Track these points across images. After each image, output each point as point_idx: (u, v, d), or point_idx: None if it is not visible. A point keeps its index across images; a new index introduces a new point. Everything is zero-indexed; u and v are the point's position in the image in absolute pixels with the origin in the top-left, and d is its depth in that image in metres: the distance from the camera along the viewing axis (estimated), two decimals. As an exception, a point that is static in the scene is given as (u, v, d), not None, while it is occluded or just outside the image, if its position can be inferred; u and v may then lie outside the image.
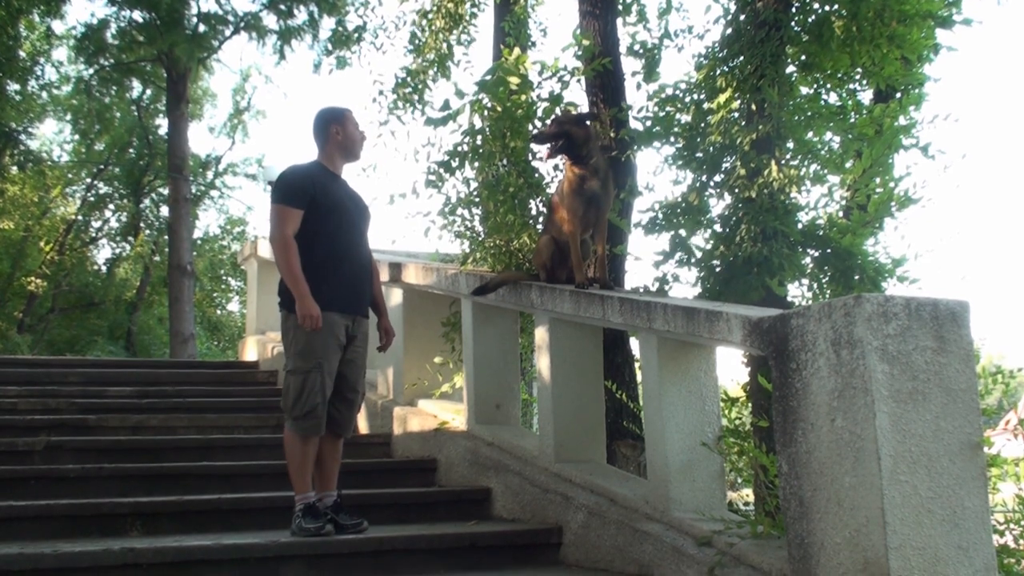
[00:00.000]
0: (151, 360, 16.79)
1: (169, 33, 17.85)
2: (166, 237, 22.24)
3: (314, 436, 4.67)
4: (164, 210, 25.48)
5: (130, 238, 28.13)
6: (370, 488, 5.60)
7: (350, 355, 4.81)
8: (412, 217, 6.41)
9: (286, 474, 5.66)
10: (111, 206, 28.66)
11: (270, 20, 19.36)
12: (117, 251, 29.09)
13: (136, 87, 23.95)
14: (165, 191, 23.42)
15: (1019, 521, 3.69)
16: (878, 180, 5.57)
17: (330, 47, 13.66)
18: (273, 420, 7.08)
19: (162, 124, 24.70)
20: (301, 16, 18.97)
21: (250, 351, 10.12)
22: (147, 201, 27.61)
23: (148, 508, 4.87)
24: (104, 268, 28.88)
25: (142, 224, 27.75)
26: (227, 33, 19.66)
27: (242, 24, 19.42)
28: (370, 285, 4.97)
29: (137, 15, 18.43)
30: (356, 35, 12.39)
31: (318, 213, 4.71)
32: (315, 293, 4.57)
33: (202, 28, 19.00)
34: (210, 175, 28.83)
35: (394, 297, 6.78)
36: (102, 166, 26.97)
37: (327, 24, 18.16)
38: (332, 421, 4.77)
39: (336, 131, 4.92)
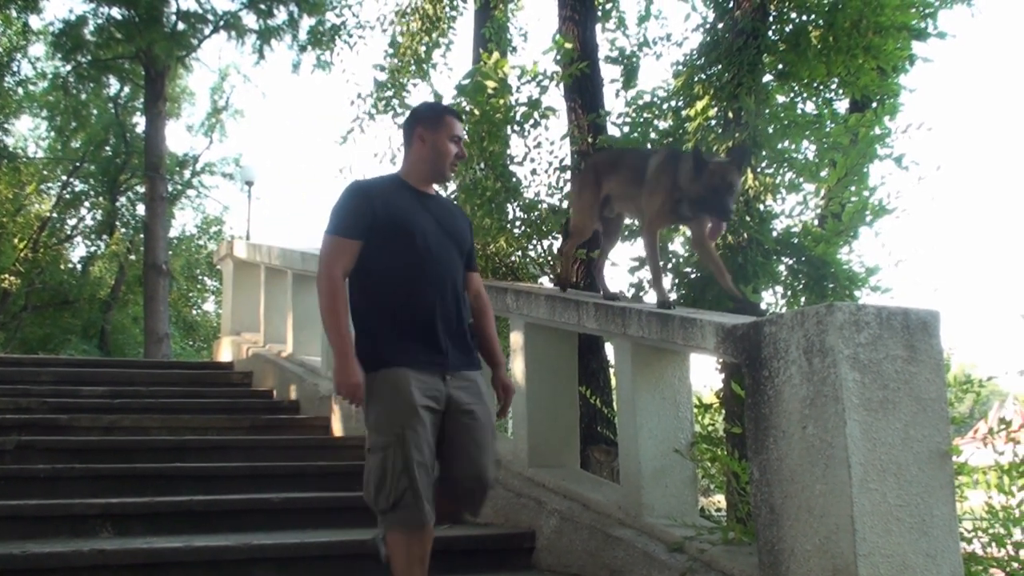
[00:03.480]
0: (125, 360, 16.67)
1: (148, 31, 17.76)
2: (142, 236, 22.13)
3: (417, 530, 3.54)
4: (140, 208, 25.37)
5: (105, 236, 27.92)
6: (343, 491, 5.58)
7: (450, 428, 3.59)
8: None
9: (259, 476, 5.68)
10: (87, 204, 28.46)
11: (250, 19, 19.32)
12: (92, 249, 28.88)
13: (114, 84, 23.83)
14: (141, 189, 23.31)
15: (987, 529, 3.72)
16: (853, 189, 5.61)
17: (307, 46, 13.65)
18: (246, 422, 7.05)
19: (139, 122, 24.58)
20: (281, 16, 18.93)
21: (225, 352, 10.07)
22: (123, 199, 27.46)
23: (119, 509, 4.83)
24: (79, 266, 28.66)
25: (118, 222, 27.57)
26: (206, 32, 19.59)
27: (221, 23, 19.35)
28: (470, 329, 3.79)
29: (116, 12, 18.32)
30: (332, 35, 12.36)
31: (385, 238, 3.59)
32: (379, 346, 3.53)
33: (181, 26, 18.92)
34: (187, 174, 28.67)
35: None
36: (78, 163, 26.76)
37: (307, 24, 18.14)
38: (456, 496, 3.70)
39: (422, 136, 3.76)
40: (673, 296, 5.80)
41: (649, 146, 6.10)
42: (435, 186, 3.94)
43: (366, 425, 3.59)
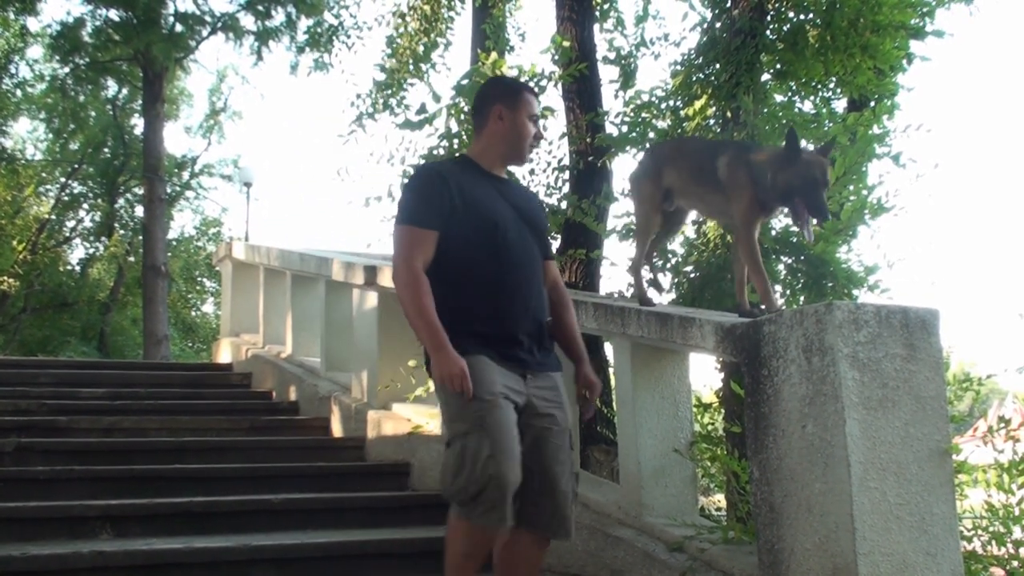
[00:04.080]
0: (124, 361, 16.68)
1: (146, 32, 17.77)
2: (141, 237, 22.15)
3: (493, 529, 3.15)
4: (139, 210, 25.34)
5: (104, 238, 27.93)
6: (343, 492, 5.59)
7: (534, 430, 3.27)
8: (388, 220, 6.39)
9: (258, 477, 5.68)
10: (85, 206, 28.46)
11: (248, 21, 19.34)
12: (91, 251, 28.90)
13: (112, 86, 23.85)
14: (140, 191, 23.31)
15: (987, 527, 3.72)
16: (852, 188, 5.61)
17: (305, 47, 13.65)
18: (246, 423, 7.04)
19: (138, 124, 24.58)
20: (279, 17, 18.94)
21: (224, 353, 10.06)
22: (122, 201, 27.45)
23: (118, 511, 4.82)
24: (78, 268, 28.66)
25: (116, 224, 27.57)
26: (204, 33, 19.62)
27: (219, 24, 19.37)
28: (548, 324, 3.51)
29: (113, 14, 18.34)
30: (330, 36, 12.36)
31: (462, 227, 3.29)
32: (455, 338, 3.19)
33: (179, 28, 18.93)
34: (186, 175, 28.67)
35: (369, 301, 6.76)
36: (76, 165, 26.76)
37: (305, 25, 18.14)
38: (530, 515, 3.28)
39: (500, 114, 3.44)
40: (672, 296, 5.81)
41: (647, 145, 6.11)
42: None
43: (443, 422, 3.35)
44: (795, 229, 5.75)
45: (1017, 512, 3.65)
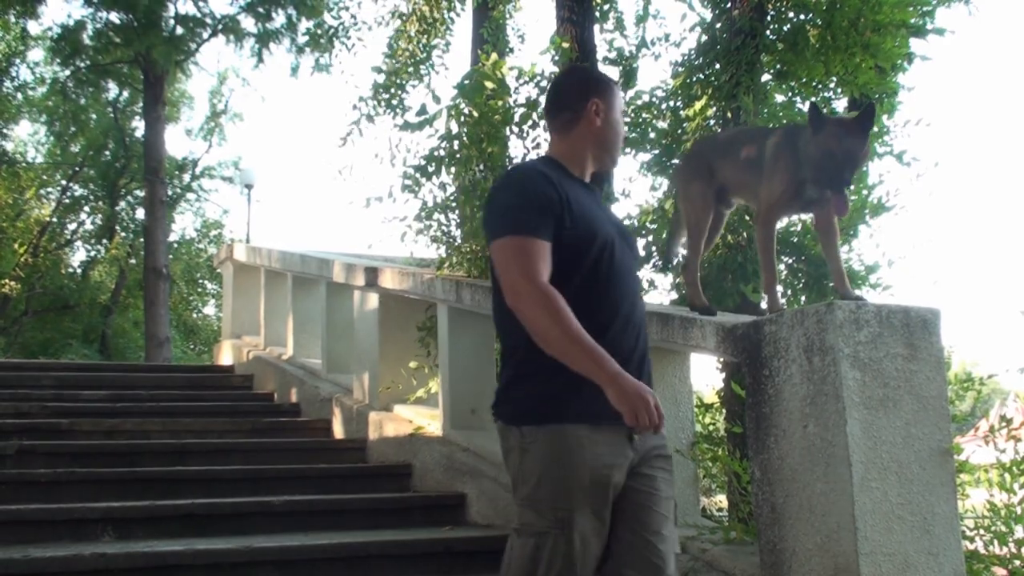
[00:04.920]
0: (126, 364, 16.69)
1: (146, 35, 17.77)
2: (142, 240, 22.15)
3: None
4: (140, 213, 25.35)
5: (105, 241, 27.91)
6: (345, 493, 5.59)
7: (642, 482, 2.72)
8: (388, 221, 6.40)
9: (260, 479, 5.69)
10: (86, 208, 28.43)
11: (248, 23, 19.33)
12: (92, 254, 28.87)
13: (112, 89, 23.84)
14: (141, 193, 23.30)
15: (988, 527, 3.72)
16: (852, 188, 5.61)
17: (306, 49, 13.67)
18: (247, 425, 7.05)
19: (138, 126, 24.58)
20: (279, 19, 18.95)
21: (226, 355, 10.07)
22: (123, 203, 27.42)
23: (120, 513, 4.82)
24: (79, 271, 28.65)
25: (117, 227, 27.54)
26: (205, 35, 19.61)
27: (220, 27, 19.37)
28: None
29: (114, 16, 18.35)
30: (331, 37, 12.37)
31: (569, 244, 2.70)
32: (549, 391, 2.62)
33: (180, 30, 18.94)
34: (187, 178, 28.67)
35: (370, 302, 6.76)
36: (77, 168, 26.76)
37: (306, 27, 18.14)
38: None
39: (596, 108, 2.89)
40: (673, 296, 5.81)
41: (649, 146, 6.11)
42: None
43: (517, 496, 2.69)
44: (796, 229, 5.76)
45: (1019, 511, 3.65)
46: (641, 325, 2.83)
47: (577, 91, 2.94)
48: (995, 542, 3.68)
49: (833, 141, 3.59)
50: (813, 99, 4.01)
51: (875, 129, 5.54)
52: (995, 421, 3.85)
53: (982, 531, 3.76)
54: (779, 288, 5.19)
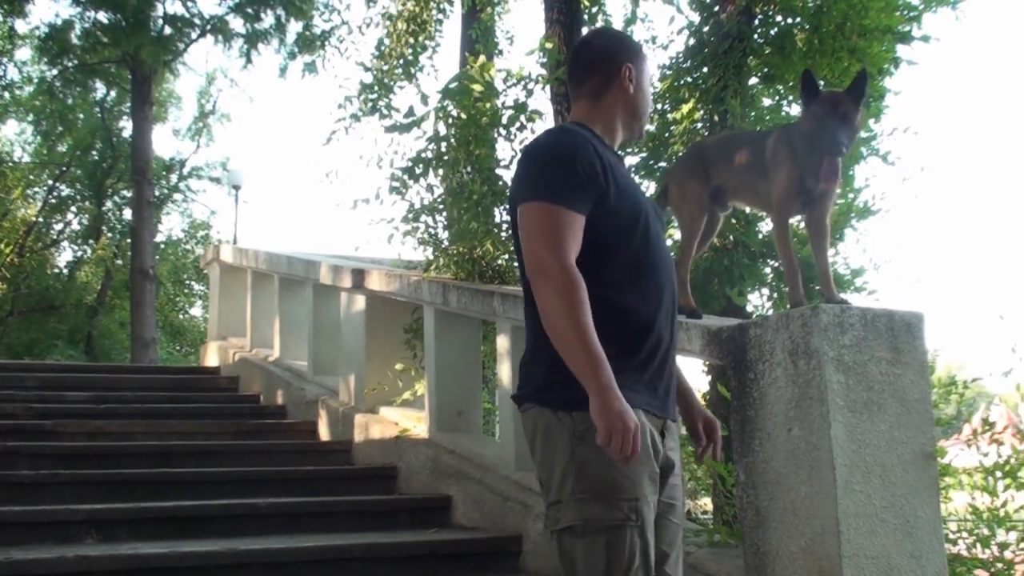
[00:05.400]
0: (111, 365, 16.63)
1: (134, 35, 17.73)
2: (129, 240, 22.09)
3: None
4: (127, 213, 25.30)
5: (92, 241, 27.82)
6: (330, 495, 5.58)
7: (666, 492, 2.55)
8: (375, 223, 6.40)
9: (245, 481, 5.67)
10: (73, 208, 28.34)
11: (236, 23, 19.29)
12: (78, 254, 28.79)
13: (100, 89, 23.79)
14: (128, 194, 23.26)
15: (971, 530, 3.74)
16: (839, 191, 5.63)
17: (296, 51, 13.67)
18: (233, 427, 7.02)
19: (126, 126, 24.53)
20: (268, 20, 18.91)
21: (211, 357, 10.03)
22: (109, 204, 27.34)
23: (104, 515, 4.80)
24: (65, 271, 28.55)
25: (104, 227, 27.46)
26: (193, 36, 19.57)
27: (208, 27, 19.33)
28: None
29: (102, 16, 18.30)
30: (321, 39, 12.38)
31: (609, 217, 2.50)
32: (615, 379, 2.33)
33: (168, 30, 18.89)
34: (174, 178, 28.62)
35: (357, 304, 6.75)
36: (64, 168, 26.66)
37: (294, 28, 18.12)
38: None
39: (629, 74, 2.68)
40: (670, 316, 5.81)
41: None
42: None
43: (567, 490, 2.39)
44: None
45: (1002, 514, 3.66)
46: (675, 316, 2.64)
47: (610, 54, 2.72)
48: (978, 545, 3.70)
49: (827, 106, 3.60)
50: (808, 70, 3.94)
51: (861, 134, 5.56)
52: (978, 425, 3.86)
53: (965, 534, 3.78)
54: (764, 290, 5.20)
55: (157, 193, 24.16)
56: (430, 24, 11.55)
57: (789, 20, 5.86)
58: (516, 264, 2.74)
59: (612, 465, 2.34)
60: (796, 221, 4.86)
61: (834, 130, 3.55)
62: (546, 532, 2.52)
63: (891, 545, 3.03)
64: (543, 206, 2.42)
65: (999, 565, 3.64)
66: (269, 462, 6.19)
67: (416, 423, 5.99)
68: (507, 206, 5.81)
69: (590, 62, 2.73)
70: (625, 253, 2.51)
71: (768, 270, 5.59)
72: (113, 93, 24.36)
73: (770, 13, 5.86)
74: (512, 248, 6.13)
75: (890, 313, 3.23)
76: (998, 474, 3.62)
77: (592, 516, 2.35)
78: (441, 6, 11.59)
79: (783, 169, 3.78)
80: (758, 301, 5.85)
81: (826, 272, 3.78)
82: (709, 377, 5.58)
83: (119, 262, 26.48)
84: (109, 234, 27.67)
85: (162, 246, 27.92)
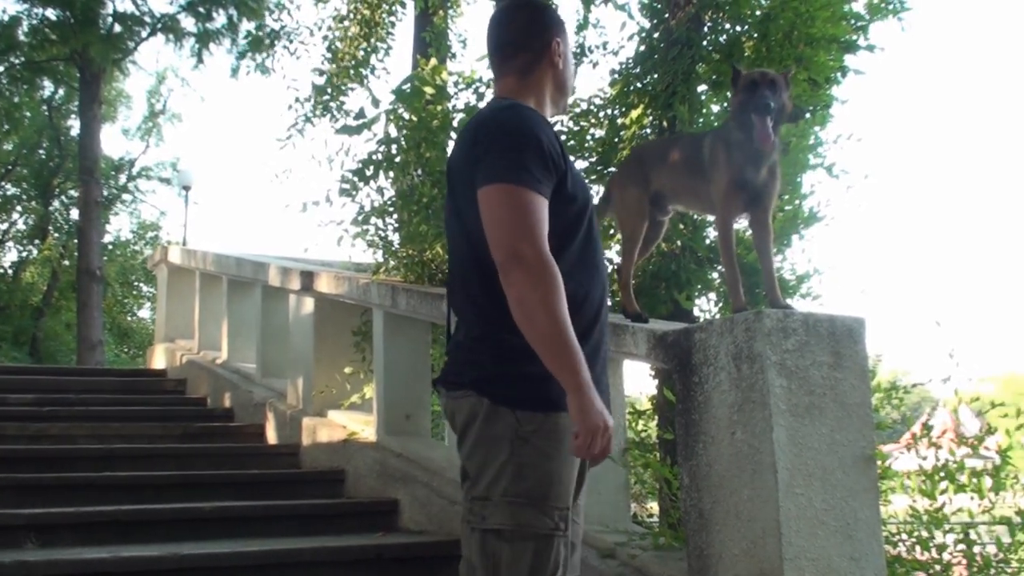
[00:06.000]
0: (55, 367, 16.37)
1: (83, 32, 17.47)
2: (75, 241, 21.73)
3: None
4: (74, 213, 24.92)
5: (38, 241, 27.39)
6: (276, 499, 5.54)
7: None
8: (325, 225, 6.37)
9: (190, 485, 5.61)
10: (19, 208, 27.90)
11: (188, 23, 19.08)
12: (24, 254, 28.31)
13: (48, 87, 23.43)
14: (75, 193, 22.92)
15: (911, 532, 3.79)
16: (786, 198, 5.68)
17: (246, 50, 13.56)
18: (178, 430, 6.95)
19: (74, 125, 24.19)
20: (220, 19, 18.72)
21: (159, 359, 9.92)
22: (56, 203, 26.97)
23: (45, 520, 4.73)
24: (10, 272, 28.07)
25: (51, 227, 27.07)
26: (143, 34, 19.32)
27: (159, 25, 19.09)
28: None
29: (50, 13, 18.01)
30: (271, 39, 12.29)
31: (568, 209, 2.42)
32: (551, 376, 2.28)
33: (117, 28, 18.63)
34: (123, 178, 28.28)
35: (306, 306, 6.71)
36: (10, 167, 26.23)
37: (247, 28, 17.96)
38: None
39: (558, 48, 2.60)
40: (608, 302, 5.83)
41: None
42: None
43: (500, 490, 2.31)
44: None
45: (940, 517, 3.72)
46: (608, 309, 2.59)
47: (537, 28, 2.62)
48: (917, 547, 3.75)
49: (755, 75, 3.70)
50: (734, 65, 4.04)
51: (809, 141, 5.63)
52: (919, 429, 3.92)
53: (905, 536, 3.83)
54: (711, 295, 5.24)
55: (105, 193, 23.83)
56: (382, 27, 11.51)
57: (737, 28, 5.90)
58: (449, 244, 2.60)
59: (551, 471, 2.30)
60: (743, 228, 4.93)
61: (761, 93, 3.59)
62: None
63: (831, 547, 3.06)
64: (512, 189, 2.28)
65: (937, 567, 3.69)
66: (215, 465, 6.14)
67: (364, 426, 5.96)
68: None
69: (518, 37, 2.61)
70: (576, 243, 2.43)
71: (715, 275, 5.63)
72: (61, 91, 24.03)
73: (719, 20, 5.90)
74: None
75: (832, 318, 3.27)
76: (936, 477, 3.68)
77: (524, 522, 2.29)
78: (393, 8, 11.55)
79: (721, 167, 3.77)
80: (706, 306, 5.89)
81: (771, 275, 3.81)
82: (656, 381, 5.61)
83: (66, 263, 26.09)
84: (56, 234, 27.28)
85: (110, 247, 27.56)
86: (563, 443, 2.32)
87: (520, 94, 2.55)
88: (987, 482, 3.72)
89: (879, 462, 3.37)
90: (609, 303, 2.64)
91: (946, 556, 3.74)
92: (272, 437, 6.97)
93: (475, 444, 2.37)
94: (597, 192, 6.17)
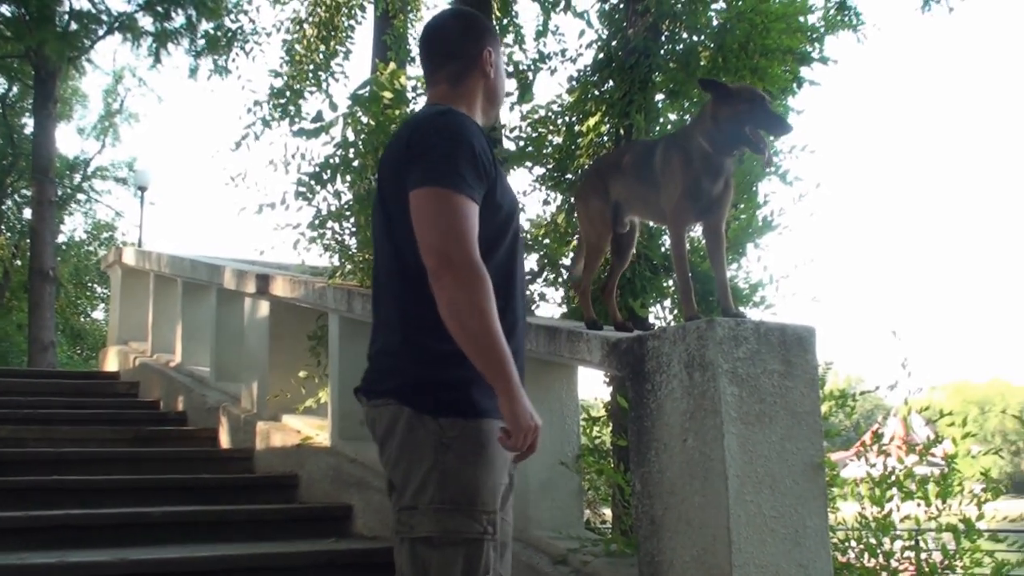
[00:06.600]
0: (5, 368, 16.10)
1: (38, 30, 17.19)
2: (28, 240, 21.42)
3: None
4: (27, 212, 24.53)
5: (-11, 240, 26.99)
6: (229, 504, 5.49)
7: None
8: (282, 229, 6.33)
9: (141, 489, 5.54)
10: (-31, 207, 27.46)
11: (146, 22, 18.87)
12: (-26, 254, 27.87)
13: (1, 84, 23.06)
14: (29, 192, 22.55)
15: (859, 539, 3.83)
16: (742, 206, 5.73)
17: (203, 51, 13.45)
18: (130, 433, 6.88)
19: (28, 123, 23.80)
20: (179, 19, 18.53)
21: (111, 362, 9.81)
22: (9, 202, 26.53)
23: (-10, 524, 4.66)
24: (-40, 271, 27.62)
25: (3, 226, 26.65)
26: (100, 33, 19.08)
27: (116, 24, 18.87)
28: None
29: (5, 9, 17.73)
30: (229, 41, 12.21)
31: (495, 217, 2.42)
32: (477, 381, 2.31)
33: (74, 26, 18.39)
34: (77, 178, 27.91)
35: (261, 310, 6.66)
36: (-39, 165, 25.82)
37: (204, 29, 17.78)
38: None
39: (490, 58, 2.61)
40: (563, 309, 5.86)
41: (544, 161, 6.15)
42: None
43: (427, 498, 2.30)
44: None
45: (887, 523, 3.77)
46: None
47: (470, 37, 2.63)
48: (865, 554, 3.79)
49: (756, 90, 3.67)
50: (712, 79, 4.03)
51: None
52: (868, 437, 3.97)
53: (853, 543, 3.88)
54: (667, 303, 5.26)
55: (59, 192, 23.50)
56: (341, 30, 11.47)
57: (694, 38, 5.95)
58: (375, 248, 2.60)
59: (476, 476, 2.31)
60: (698, 235, 4.96)
61: (768, 110, 3.57)
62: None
63: (780, 554, 3.10)
64: (445, 193, 2.27)
65: (884, 574, 3.74)
66: (166, 470, 6.08)
67: (319, 431, 5.93)
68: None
69: (450, 45, 2.62)
70: (501, 251, 2.44)
71: (670, 282, 5.66)
72: (15, 89, 23.65)
73: (676, 30, 5.94)
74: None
75: (783, 327, 3.31)
76: (884, 484, 3.73)
77: (453, 528, 2.28)
78: (353, 12, 11.52)
79: (676, 176, 3.73)
80: (661, 314, 5.93)
81: (724, 283, 3.80)
82: (611, 388, 5.63)
83: (18, 263, 25.70)
84: (8, 233, 26.84)
85: (64, 247, 27.17)
86: (487, 448, 2.32)
87: (452, 101, 2.55)
88: (933, 489, 3.78)
89: (828, 470, 3.41)
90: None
91: (893, 563, 3.79)
92: (226, 441, 6.92)
93: (398, 454, 2.36)
94: (555, 199, 6.21)
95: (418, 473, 2.31)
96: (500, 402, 2.24)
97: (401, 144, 2.44)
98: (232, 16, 14.44)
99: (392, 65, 6.32)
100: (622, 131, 5.77)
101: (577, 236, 4.97)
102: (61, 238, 26.26)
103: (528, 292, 2.70)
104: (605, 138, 5.87)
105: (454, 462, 2.30)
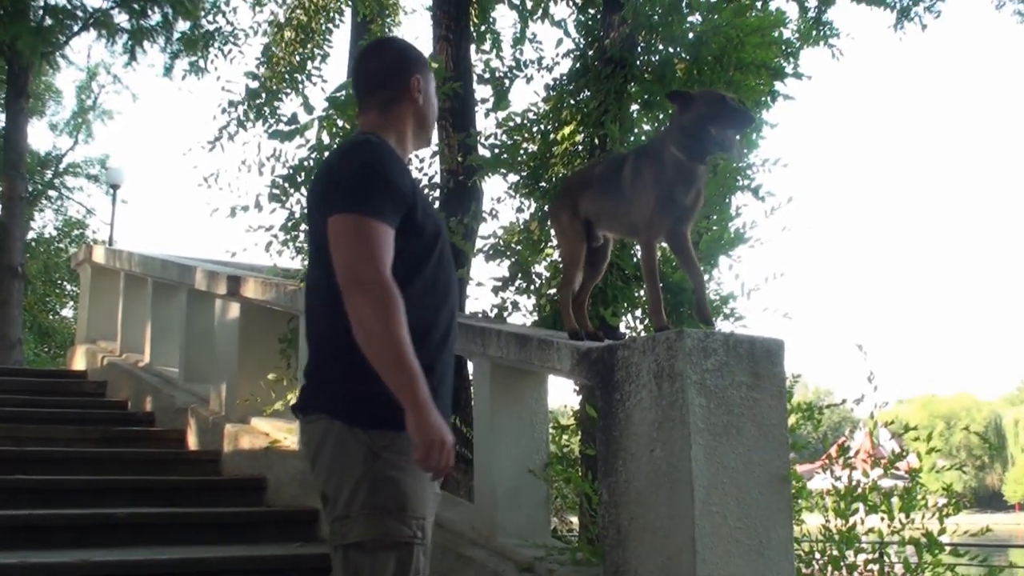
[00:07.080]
0: (-29, 366, 15.93)
1: (12, 24, 17.02)
2: (-3, 236, 21.21)
3: None
4: (-3, 208, 24.31)
5: (-43, 236, 26.66)
6: (195, 507, 5.45)
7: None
8: (254, 230, 6.31)
9: (106, 490, 5.49)
10: (-62, 201, 27.13)
11: (122, 19, 18.74)
12: (-58, 249, 27.53)
13: (-28, 78, 22.84)
14: (-1, 188, 22.36)
15: (823, 551, 3.86)
16: (714, 218, 5.77)
17: (180, 50, 13.38)
18: (96, 433, 6.81)
19: (-1, 118, 23.60)
20: (155, 17, 18.42)
21: (79, 360, 9.71)
22: (-22, 198, 26.27)
23: (-49, 523, 4.61)
24: (-73, 266, 27.28)
25: (-29, 222, 26.36)
26: (75, 28, 18.94)
27: (91, 20, 18.73)
28: None
29: (-23, 3, 17.58)
30: (206, 41, 12.16)
31: (417, 240, 2.53)
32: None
33: (48, 21, 18.25)
34: (49, 174, 27.65)
35: (232, 311, 6.63)
36: (-70, 159, 25.52)
37: (183, 28, 17.69)
38: None
39: (418, 85, 2.71)
40: (534, 317, 5.87)
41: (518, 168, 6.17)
42: None
43: (359, 504, 2.36)
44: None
45: (851, 536, 3.80)
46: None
47: (399, 66, 2.73)
48: (829, 566, 3.82)
49: (720, 92, 3.75)
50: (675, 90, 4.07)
51: (736, 163, 5.72)
52: (834, 450, 4.01)
53: (818, 555, 3.91)
54: (638, 312, 5.28)
55: (30, 188, 23.30)
56: (319, 33, 11.46)
57: (670, 49, 5.98)
58: (308, 270, 2.73)
59: (405, 483, 2.38)
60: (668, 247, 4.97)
61: (735, 106, 3.64)
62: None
63: (745, 565, 3.12)
64: (357, 218, 2.40)
65: (848, 586, 3.78)
66: (133, 471, 6.04)
67: (287, 434, 5.90)
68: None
69: (379, 74, 2.73)
70: (426, 272, 2.54)
71: (642, 292, 5.68)
72: (-13, 83, 23.42)
73: (652, 41, 5.98)
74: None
75: (752, 340, 3.33)
76: (849, 497, 3.76)
77: (384, 532, 2.35)
78: (331, 16, 11.50)
79: (648, 187, 3.74)
80: (632, 323, 5.95)
81: (701, 292, 3.80)
82: (580, 396, 5.65)
83: (-14, 259, 25.41)
84: (-24, 229, 26.55)
85: (33, 244, 26.91)
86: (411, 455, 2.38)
87: (382, 128, 2.67)
88: (897, 503, 3.81)
89: (794, 482, 3.44)
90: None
91: (856, 575, 3.82)
92: (193, 443, 6.87)
93: (330, 466, 2.43)
94: (528, 207, 6.22)
95: (349, 482, 2.38)
96: (407, 416, 2.31)
97: (325, 172, 2.60)
98: (210, 17, 14.36)
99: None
100: (596, 140, 5.80)
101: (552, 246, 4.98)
102: (31, 235, 26.00)
103: (460, 308, 2.76)
104: (580, 147, 5.89)
105: (384, 469, 2.38)
